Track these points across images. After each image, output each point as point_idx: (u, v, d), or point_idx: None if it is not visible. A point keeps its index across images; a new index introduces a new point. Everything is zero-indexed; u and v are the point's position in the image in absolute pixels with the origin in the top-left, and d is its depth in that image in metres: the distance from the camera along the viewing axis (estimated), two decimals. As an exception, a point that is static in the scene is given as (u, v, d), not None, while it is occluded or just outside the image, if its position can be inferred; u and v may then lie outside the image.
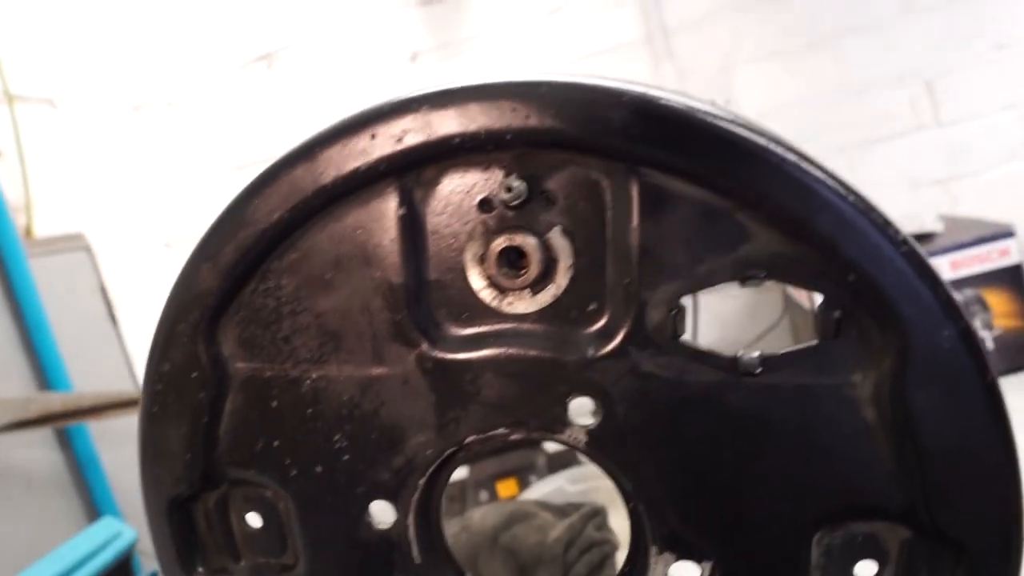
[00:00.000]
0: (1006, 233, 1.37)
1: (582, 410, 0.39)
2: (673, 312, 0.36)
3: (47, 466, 1.39)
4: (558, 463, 1.29)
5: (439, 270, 0.39)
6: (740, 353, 0.36)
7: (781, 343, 1.72)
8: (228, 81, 1.83)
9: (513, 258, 0.37)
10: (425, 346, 0.40)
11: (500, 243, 0.37)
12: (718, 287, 0.35)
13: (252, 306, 0.42)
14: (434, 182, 0.38)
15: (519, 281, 0.37)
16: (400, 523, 0.44)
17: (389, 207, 0.38)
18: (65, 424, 1.38)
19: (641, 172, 0.35)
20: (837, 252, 0.33)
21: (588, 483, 1.17)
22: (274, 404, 0.44)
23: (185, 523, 0.48)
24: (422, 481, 0.42)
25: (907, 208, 1.62)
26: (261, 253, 0.41)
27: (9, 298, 1.43)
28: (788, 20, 1.62)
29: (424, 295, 0.40)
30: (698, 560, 0.39)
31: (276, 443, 0.44)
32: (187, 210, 1.89)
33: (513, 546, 0.86)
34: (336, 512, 0.45)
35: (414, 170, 0.38)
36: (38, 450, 1.38)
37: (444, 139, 0.36)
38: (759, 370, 0.36)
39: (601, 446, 0.39)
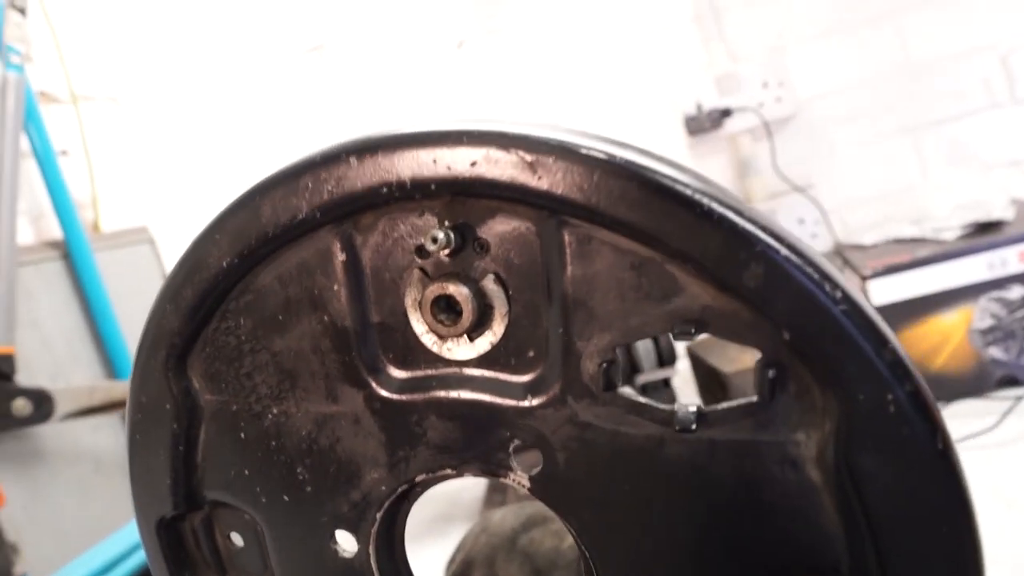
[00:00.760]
0: (1086, 221, 1.27)
1: (524, 456, 0.38)
2: (608, 363, 0.35)
3: (113, 450, 1.48)
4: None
5: (383, 313, 0.39)
6: (676, 407, 0.35)
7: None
8: (282, 72, 1.87)
9: (448, 305, 0.37)
10: (373, 387, 0.40)
11: (433, 291, 0.37)
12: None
13: (216, 344, 0.44)
14: (372, 228, 0.38)
15: (455, 328, 0.37)
16: (363, 552, 0.45)
17: (331, 253, 0.39)
18: (128, 411, 1.46)
19: (569, 221, 0.34)
20: (769, 308, 0.31)
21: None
22: (242, 435, 0.45)
23: (175, 540, 0.50)
24: (379, 514, 0.43)
25: (977, 193, 1.52)
26: (219, 295, 0.42)
27: (78, 291, 1.52)
28: (846, -6, 1.53)
29: (370, 337, 0.40)
30: (644, 609, 0.38)
31: (246, 471, 0.46)
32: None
33: (530, 550, 0.87)
34: (305, 539, 0.46)
35: (350, 217, 0.38)
36: (104, 435, 1.48)
37: (373, 188, 0.36)
38: (694, 426, 0.34)
39: (544, 491, 0.38)
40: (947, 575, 0.33)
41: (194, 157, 1.96)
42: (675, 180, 0.32)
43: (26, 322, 1.38)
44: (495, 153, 0.33)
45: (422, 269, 0.37)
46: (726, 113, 1.55)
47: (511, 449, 0.38)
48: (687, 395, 1.41)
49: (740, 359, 1.26)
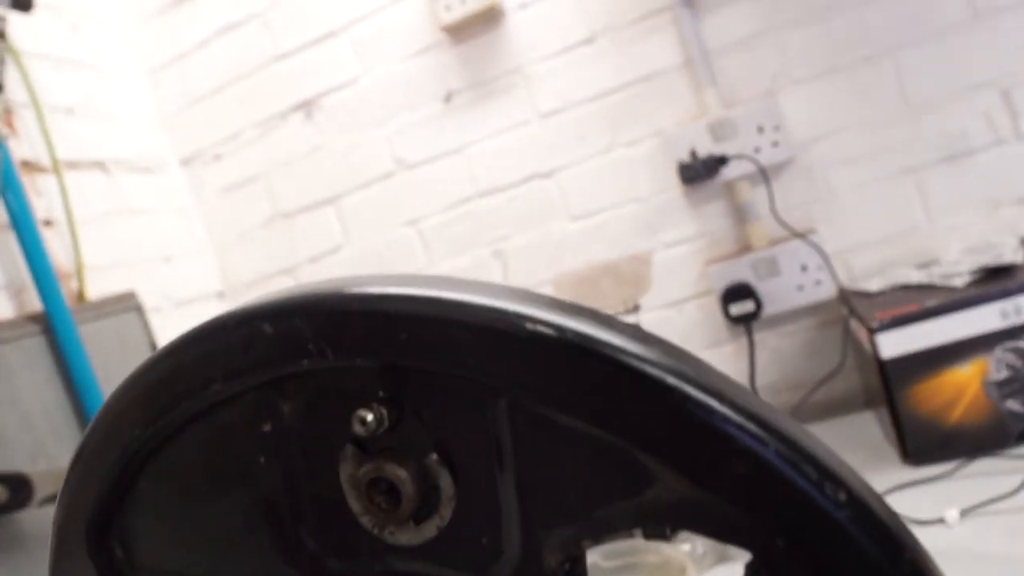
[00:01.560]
0: (1102, 263, 1.21)
1: (483, 655, 0.33)
2: (572, 560, 0.30)
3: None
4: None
5: (319, 490, 0.34)
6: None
7: (847, 387, 1.59)
8: (270, 130, 1.85)
9: (386, 487, 0.32)
10: (311, 571, 0.35)
11: (367, 472, 0.31)
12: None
13: (139, 514, 0.38)
14: (299, 395, 0.33)
15: (396, 514, 0.32)
16: None
17: (254, 422, 0.34)
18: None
19: (516, 399, 0.29)
20: (759, 511, 0.26)
21: (623, 559, 1.10)
22: (172, 612, 0.40)
23: None
24: None
25: (985, 234, 1.47)
26: (138, 462, 0.37)
27: (60, 365, 1.48)
28: (840, 35, 1.49)
29: (307, 517, 0.35)
30: None
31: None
32: (238, 259, 1.93)
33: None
34: None
35: (273, 385, 0.33)
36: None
37: (291, 358, 0.31)
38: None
39: None
40: None
41: (181, 217, 1.93)
42: (639, 357, 0.27)
43: (5, 401, 1.34)
44: (426, 321, 0.28)
45: (356, 443, 0.32)
46: (722, 160, 1.50)
47: (468, 649, 0.33)
48: None
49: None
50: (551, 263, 1.73)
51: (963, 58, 1.45)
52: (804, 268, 1.52)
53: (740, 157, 1.50)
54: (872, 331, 1.24)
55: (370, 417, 0.29)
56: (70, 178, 1.68)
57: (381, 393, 0.31)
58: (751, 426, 0.26)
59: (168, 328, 1.74)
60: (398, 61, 1.75)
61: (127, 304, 1.69)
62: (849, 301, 1.41)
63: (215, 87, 1.88)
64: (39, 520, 1.34)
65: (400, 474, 0.31)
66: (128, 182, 1.84)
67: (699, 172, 1.51)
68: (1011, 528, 1.02)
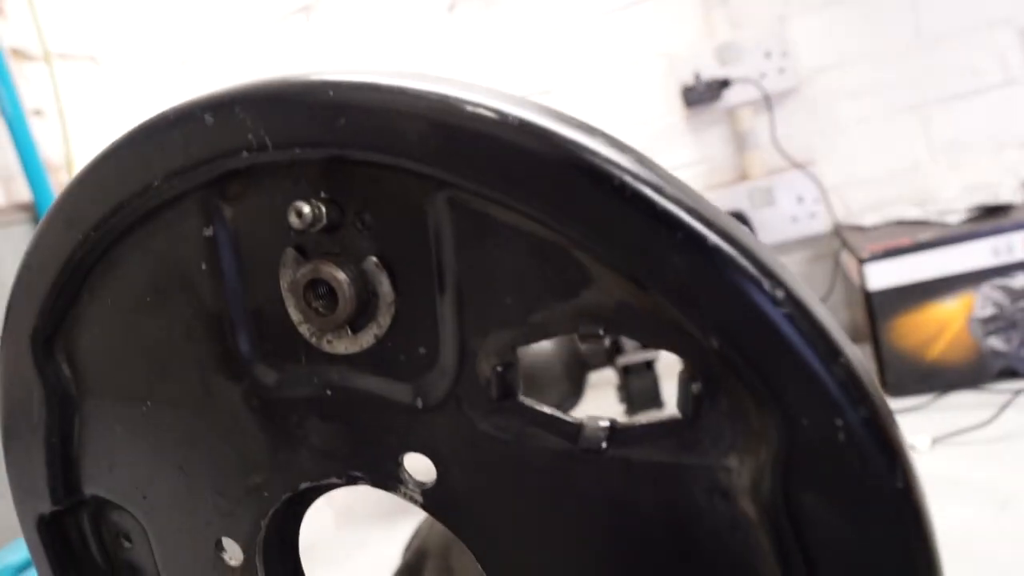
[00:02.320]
0: (1100, 206, 1.20)
1: (417, 468, 0.33)
2: (505, 365, 0.29)
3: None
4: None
5: (259, 299, 0.34)
6: (585, 420, 0.29)
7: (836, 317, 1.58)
8: (269, 33, 1.80)
9: (324, 291, 0.31)
10: (250, 381, 0.35)
11: (305, 274, 0.31)
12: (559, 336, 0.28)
13: (82, 326, 0.38)
14: (242, 197, 0.32)
15: (333, 318, 0.31)
16: (250, 562, 0.39)
17: (196, 227, 0.33)
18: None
19: (456, 194, 0.28)
20: (694, 308, 0.26)
21: None
22: (117, 428, 0.40)
23: (58, 538, 0.45)
24: (264, 523, 0.38)
25: (986, 175, 1.44)
26: (81, 272, 0.36)
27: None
28: (857, -41, 1.44)
29: (246, 326, 0.34)
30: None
31: (124, 468, 0.41)
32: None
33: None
34: (189, 545, 0.41)
35: (215, 186, 0.32)
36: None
37: (232, 151, 0.30)
38: (604, 444, 0.29)
39: (439, 509, 0.33)
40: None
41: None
42: (578, 145, 0.26)
43: (-10, 286, 1.34)
44: (365, 109, 0.27)
45: (297, 247, 0.32)
46: (725, 84, 1.47)
47: (401, 460, 0.33)
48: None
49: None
50: (546, 184, 1.70)
51: (981, -10, 1.40)
52: (800, 200, 1.50)
53: (744, 81, 1.47)
54: (862, 261, 1.23)
55: (306, 209, 0.29)
56: (60, 68, 1.64)
57: (323, 194, 0.30)
58: (690, 219, 0.25)
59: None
60: (401, -35, 1.70)
61: (117, 201, 1.67)
62: (842, 235, 1.39)
63: (212, -16, 1.82)
64: None
65: (339, 275, 0.30)
66: (119, 75, 1.80)
67: (702, 95, 1.48)
68: (978, 456, 1.03)
